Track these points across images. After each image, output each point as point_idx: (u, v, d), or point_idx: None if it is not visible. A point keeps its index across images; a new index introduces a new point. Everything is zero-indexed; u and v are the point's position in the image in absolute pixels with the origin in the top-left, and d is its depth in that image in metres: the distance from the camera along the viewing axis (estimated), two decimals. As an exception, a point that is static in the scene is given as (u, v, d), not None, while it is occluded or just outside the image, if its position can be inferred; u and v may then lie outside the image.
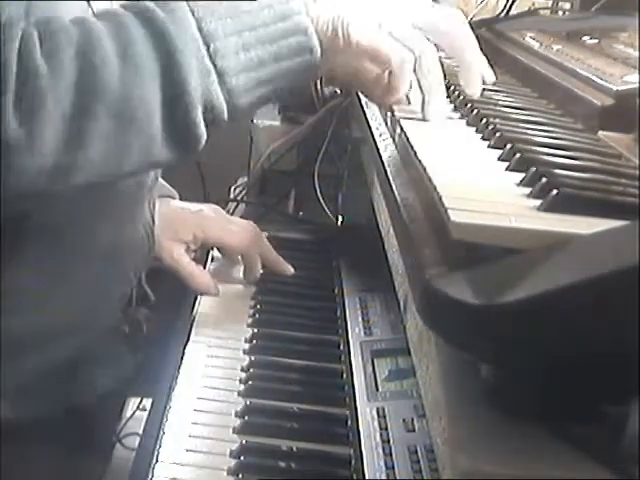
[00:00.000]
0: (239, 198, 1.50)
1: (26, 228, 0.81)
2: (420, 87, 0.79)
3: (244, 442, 0.81)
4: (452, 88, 0.90)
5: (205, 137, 0.72)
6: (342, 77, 0.80)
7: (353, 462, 0.79)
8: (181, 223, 1.09)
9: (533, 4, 1.50)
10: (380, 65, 0.77)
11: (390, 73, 0.77)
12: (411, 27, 0.77)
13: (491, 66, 0.83)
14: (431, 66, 0.78)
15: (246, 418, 0.85)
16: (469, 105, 0.83)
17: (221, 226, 1.12)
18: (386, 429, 0.82)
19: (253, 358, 0.96)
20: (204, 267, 1.14)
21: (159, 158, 0.73)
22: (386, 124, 0.85)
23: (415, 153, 0.67)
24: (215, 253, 1.18)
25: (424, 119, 0.79)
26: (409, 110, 0.80)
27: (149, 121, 0.69)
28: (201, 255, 1.15)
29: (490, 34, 1.23)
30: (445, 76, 0.80)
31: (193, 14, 0.70)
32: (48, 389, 0.91)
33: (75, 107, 0.66)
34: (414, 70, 0.77)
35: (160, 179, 1.03)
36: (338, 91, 1.38)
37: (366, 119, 0.92)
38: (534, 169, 0.60)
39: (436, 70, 0.78)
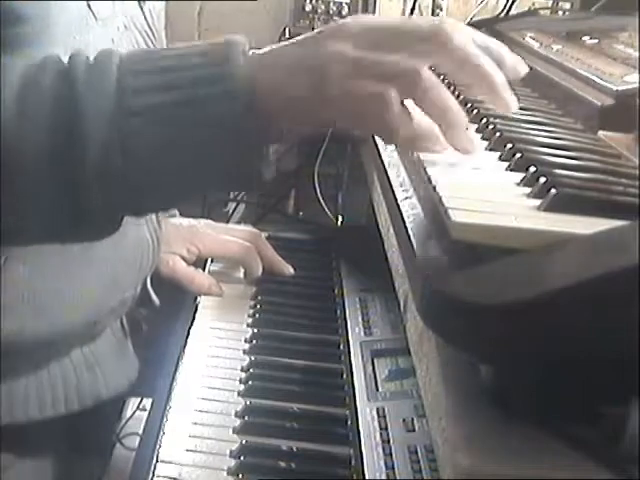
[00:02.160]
0: (239, 198, 1.50)
1: None
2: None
3: (244, 442, 0.81)
4: (452, 88, 0.90)
5: None
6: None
7: (353, 462, 0.79)
8: (173, 238, 1.09)
9: (533, 4, 1.51)
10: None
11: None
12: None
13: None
14: (430, 91, 0.61)
15: (246, 418, 0.85)
16: (469, 105, 0.83)
17: (215, 239, 1.12)
18: (386, 429, 0.82)
19: (253, 358, 0.96)
20: (204, 267, 1.14)
21: None
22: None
23: (415, 153, 0.67)
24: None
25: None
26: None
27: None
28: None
29: (490, 34, 1.22)
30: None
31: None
32: (49, 393, 0.91)
33: None
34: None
35: None
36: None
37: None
38: (534, 169, 0.60)
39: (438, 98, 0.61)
